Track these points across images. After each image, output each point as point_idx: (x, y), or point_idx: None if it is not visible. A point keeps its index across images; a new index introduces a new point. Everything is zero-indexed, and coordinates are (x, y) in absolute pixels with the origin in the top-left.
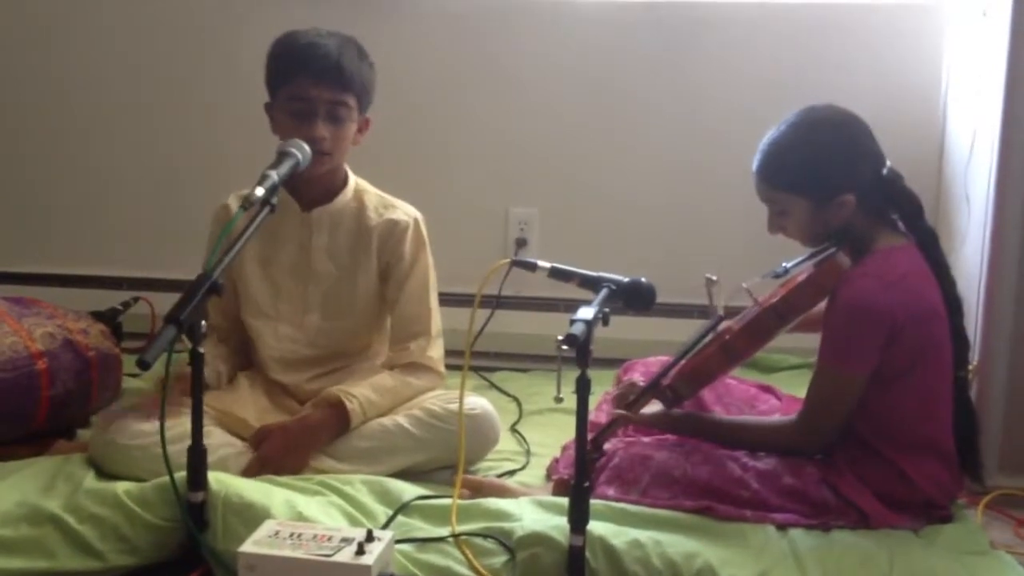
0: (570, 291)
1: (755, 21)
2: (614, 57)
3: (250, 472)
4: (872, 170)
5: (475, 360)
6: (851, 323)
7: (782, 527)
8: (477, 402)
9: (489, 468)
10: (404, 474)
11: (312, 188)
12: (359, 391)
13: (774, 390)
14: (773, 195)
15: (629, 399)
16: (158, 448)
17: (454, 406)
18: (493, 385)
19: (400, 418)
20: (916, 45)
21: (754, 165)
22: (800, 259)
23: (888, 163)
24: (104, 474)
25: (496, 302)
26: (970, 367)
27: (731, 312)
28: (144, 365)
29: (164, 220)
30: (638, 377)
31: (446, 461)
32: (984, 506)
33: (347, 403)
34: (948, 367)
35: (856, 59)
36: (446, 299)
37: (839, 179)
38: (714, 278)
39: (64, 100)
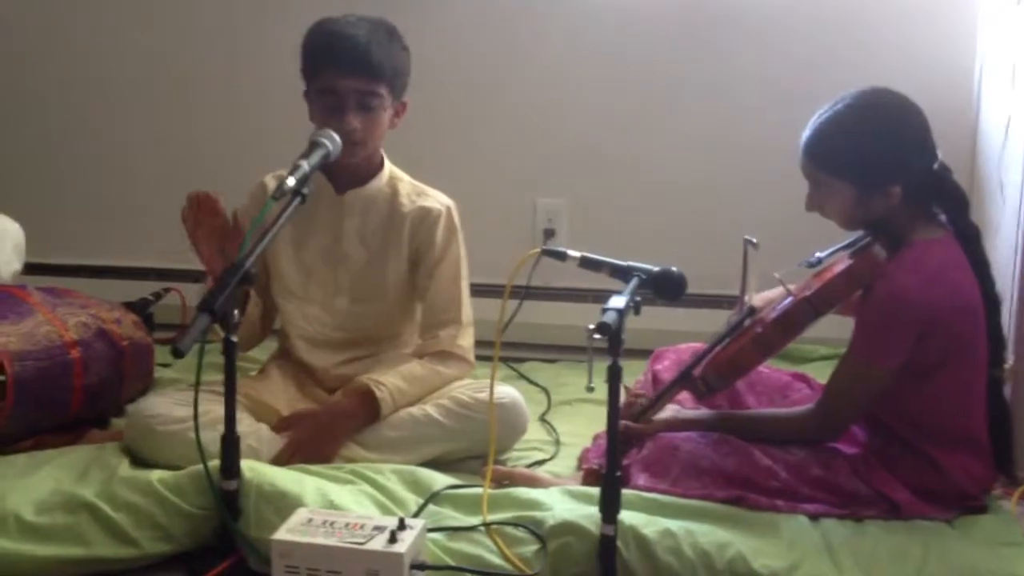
0: (598, 281)
1: (786, 7)
2: (643, 46)
3: (281, 458)
4: (923, 163)
5: (503, 350)
6: (887, 318)
7: (814, 517)
8: (506, 391)
9: (519, 458)
10: (434, 463)
11: (347, 172)
12: (389, 380)
13: (808, 378)
14: (817, 174)
15: (635, 410)
16: (192, 434)
17: (483, 395)
18: (522, 375)
19: (429, 408)
20: (949, 31)
21: (802, 140)
22: (833, 248)
23: (939, 157)
24: (139, 461)
25: (524, 292)
26: (1005, 366)
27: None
28: (178, 354)
29: None
30: (667, 364)
31: (475, 450)
32: (1018, 497)
33: (377, 392)
34: (982, 364)
35: (888, 45)
36: (474, 290)
37: (889, 169)
38: (754, 240)
39: (92, 92)
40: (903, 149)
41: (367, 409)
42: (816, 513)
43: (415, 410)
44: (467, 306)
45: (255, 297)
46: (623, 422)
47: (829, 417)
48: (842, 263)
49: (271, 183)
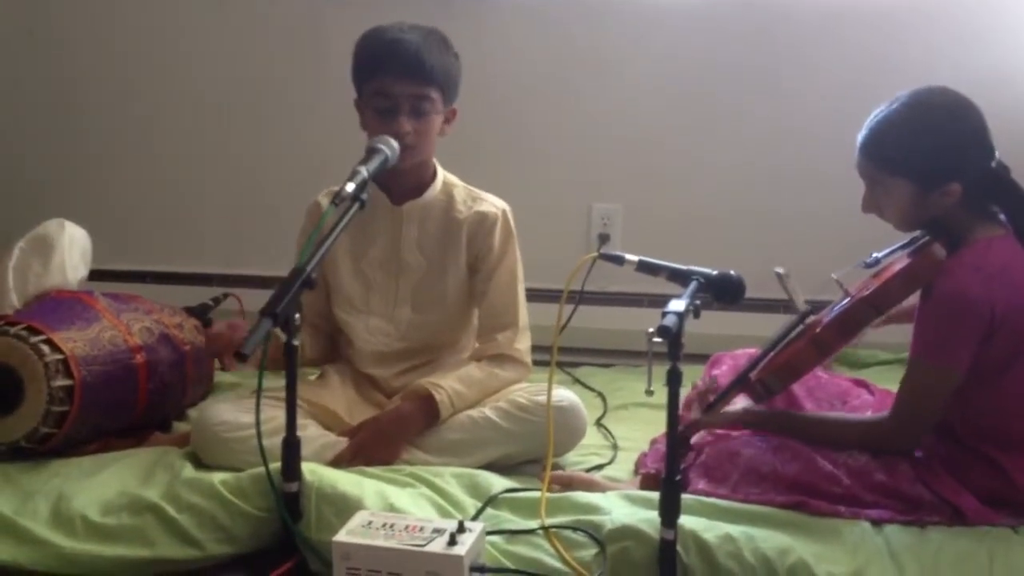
0: (653, 285)
1: (841, 12)
2: (698, 52)
3: (341, 460)
4: (982, 161)
5: (559, 355)
6: (948, 316)
7: (877, 523)
8: (564, 395)
9: (576, 463)
10: (492, 466)
11: (402, 182)
12: (447, 383)
13: (868, 384)
14: (875, 174)
15: (710, 399)
16: (256, 440)
17: (541, 398)
18: (577, 380)
19: (488, 411)
20: (1014, 29)
21: (859, 140)
22: (891, 248)
23: (997, 155)
24: (204, 465)
25: (579, 297)
26: None
27: (816, 305)
28: (242, 357)
29: (251, 218)
30: (725, 369)
31: (534, 453)
32: None
33: (436, 395)
34: None
35: (955, 41)
36: (529, 294)
37: (948, 167)
38: (782, 271)
39: (158, 105)
40: (960, 145)
41: (427, 412)
42: (879, 519)
43: (474, 413)
44: (524, 309)
45: (309, 339)
46: (692, 416)
47: (903, 426)
48: (901, 262)
49: (324, 201)
